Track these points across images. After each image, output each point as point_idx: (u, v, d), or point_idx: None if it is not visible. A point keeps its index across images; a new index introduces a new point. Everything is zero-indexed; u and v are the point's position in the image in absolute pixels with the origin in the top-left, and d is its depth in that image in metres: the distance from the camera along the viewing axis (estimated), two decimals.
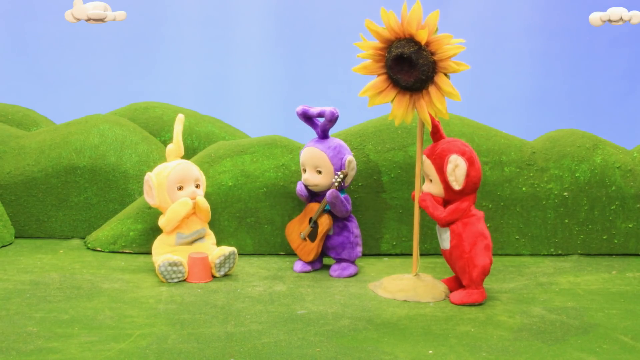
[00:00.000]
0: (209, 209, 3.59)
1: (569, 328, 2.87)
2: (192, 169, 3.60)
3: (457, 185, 3.12)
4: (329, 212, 3.57)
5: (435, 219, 3.19)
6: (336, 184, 3.47)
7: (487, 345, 2.67)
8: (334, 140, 3.59)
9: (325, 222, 3.55)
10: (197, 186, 3.61)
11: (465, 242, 3.14)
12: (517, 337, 2.77)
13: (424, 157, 3.21)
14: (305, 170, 3.59)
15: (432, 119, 3.17)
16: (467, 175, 3.11)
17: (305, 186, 3.61)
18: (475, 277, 3.13)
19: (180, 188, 3.54)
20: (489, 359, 2.55)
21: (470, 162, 3.13)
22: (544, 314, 3.03)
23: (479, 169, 3.17)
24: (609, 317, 3.01)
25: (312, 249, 3.61)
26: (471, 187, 3.15)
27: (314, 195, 3.62)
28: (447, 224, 3.18)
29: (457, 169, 3.10)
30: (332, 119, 3.51)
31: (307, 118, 3.58)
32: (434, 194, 3.21)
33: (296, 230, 3.67)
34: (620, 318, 3.00)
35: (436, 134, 3.23)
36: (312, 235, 3.60)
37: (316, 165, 3.54)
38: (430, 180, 3.22)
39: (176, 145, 3.63)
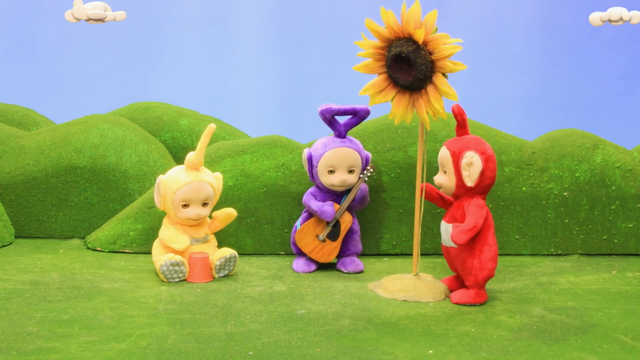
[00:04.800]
0: (231, 217, 3.65)
1: (569, 328, 2.87)
2: (202, 189, 3.47)
3: (469, 182, 3.10)
4: (349, 208, 3.63)
5: (477, 232, 3.09)
6: (365, 178, 3.60)
7: (487, 345, 2.67)
8: (352, 138, 3.66)
9: (348, 220, 3.60)
10: (205, 204, 3.52)
11: (476, 244, 3.13)
12: (517, 337, 2.77)
13: (444, 147, 3.19)
14: (333, 172, 3.56)
15: (460, 112, 3.17)
16: (482, 174, 3.10)
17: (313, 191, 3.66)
18: (481, 280, 3.13)
19: (186, 206, 3.48)
20: (489, 359, 2.55)
21: (487, 162, 3.11)
22: (544, 314, 3.03)
23: (494, 170, 3.14)
24: (609, 317, 3.01)
25: (334, 249, 3.62)
26: (483, 187, 3.14)
27: (327, 199, 3.64)
28: (480, 228, 3.12)
29: (471, 167, 3.08)
30: (365, 118, 3.60)
31: (332, 117, 3.56)
32: (444, 186, 3.20)
33: (311, 233, 3.62)
34: (620, 318, 3.00)
35: (462, 129, 3.20)
36: (333, 235, 3.61)
37: (350, 165, 3.57)
38: (445, 172, 3.20)
39: (196, 156, 3.48)
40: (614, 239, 4.00)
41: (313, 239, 3.62)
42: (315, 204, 3.58)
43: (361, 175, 3.61)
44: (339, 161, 3.55)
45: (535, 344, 2.69)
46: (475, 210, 3.10)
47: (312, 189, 3.67)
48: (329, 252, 3.62)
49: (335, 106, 3.53)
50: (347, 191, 3.63)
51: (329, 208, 3.56)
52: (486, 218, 3.14)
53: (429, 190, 3.30)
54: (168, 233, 3.50)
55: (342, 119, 3.63)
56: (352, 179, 3.58)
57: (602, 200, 3.99)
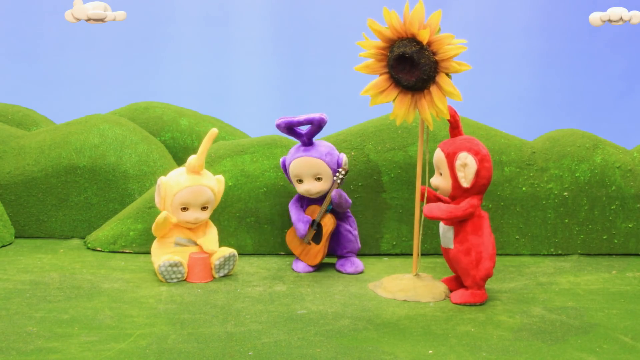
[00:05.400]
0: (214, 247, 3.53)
1: (569, 328, 2.87)
2: (202, 193, 3.45)
3: (465, 183, 3.11)
4: (331, 211, 3.58)
5: (453, 217, 3.12)
6: (338, 181, 3.51)
7: (487, 345, 2.67)
8: (321, 143, 3.60)
9: (329, 222, 3.56)
10: (204, 208, 3.50)
11: (472, 244, 3.13)
12: (517, 337, 2.77)
13: (438, 149, 3.19)
14: (301, 181, 3.56)
15: (453, 113, 3.17)
16: (477, 175, 3.10)
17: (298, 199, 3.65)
18: (479, 280, 3.13)
19: (185, 209, 3.47)
20: (489, 359, 2.55)
21: (482, 162, 3.11)
22: (544, 314, 3.03)
23: (489, 169, 3.14)
24: (609, 317, 3.01)
25: (318, 252, 3.60)
26: (479, 187, 3.14)
27: (311, 203, 3.63)
28: (462, 219, 3.14)
29: (466, 168, 3.09)
30: (322, 125, 3.51)
31: (290, 129, 3.53)
32: (441, 187, 3.20)
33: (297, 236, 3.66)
34: (620, 318, 3.00)
35: (455, 130, 3.21)
36: (316, 238, 3.60)
37: (315, 174, 3.53)
38: (440, 174, 3.20)
39: (197, 160, 3.45)
40: (614, 239, 4.00)
41: (300, 241, 3.63)
42: (293, 215, 3.60)
43: (334, 179, 3.54)
44: (303, 170, 3.53)
45: (535, 344, 2.69)
46: (463, 204, 3.12)
47: (298, 194, 3.68)
48: (314, 254, 3.61)
49: (289, 118, 3.51)
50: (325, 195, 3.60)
51: (301, 226, 3.56)
52: (480, 217, 3.15)
53: (427, 193, 3.30)
54: (154, 246, 3.53)
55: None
56: (320, 186, 3.53)
57: (602, 200, 3.99)
